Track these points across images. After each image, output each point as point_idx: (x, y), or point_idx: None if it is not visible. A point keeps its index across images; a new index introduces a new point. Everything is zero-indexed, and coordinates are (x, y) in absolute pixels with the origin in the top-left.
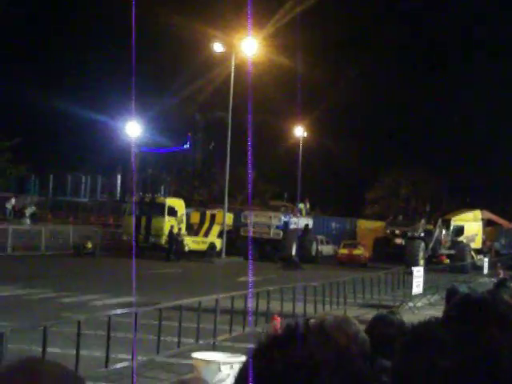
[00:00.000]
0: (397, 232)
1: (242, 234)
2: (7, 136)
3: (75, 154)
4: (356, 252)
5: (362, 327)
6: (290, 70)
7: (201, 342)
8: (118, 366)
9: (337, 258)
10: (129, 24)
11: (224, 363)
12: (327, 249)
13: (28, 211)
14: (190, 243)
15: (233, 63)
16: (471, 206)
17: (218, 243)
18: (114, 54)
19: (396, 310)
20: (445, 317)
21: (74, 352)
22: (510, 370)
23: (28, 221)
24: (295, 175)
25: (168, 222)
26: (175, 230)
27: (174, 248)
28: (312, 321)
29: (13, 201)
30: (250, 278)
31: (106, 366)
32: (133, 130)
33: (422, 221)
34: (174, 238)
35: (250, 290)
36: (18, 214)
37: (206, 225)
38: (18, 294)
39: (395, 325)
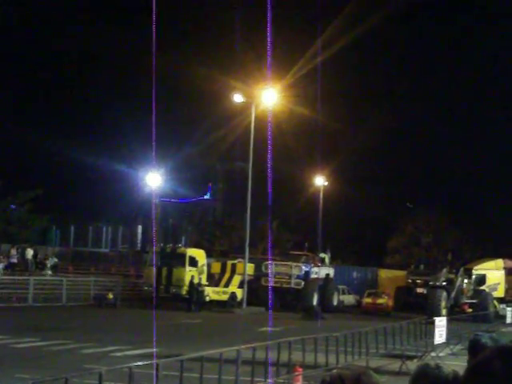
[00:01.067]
0: (418, 281)
1: (263, 283)
2: (28, 187)
3: (96, 204)
4: (380, 301)
5: (384, 378)
6: (310, 119)
7: None
8: None
9: (361, 307)
10: (150, 75)
11: None
12: (348, 298)
13: (49, 262)
14: (211, 293)
15: (253, 113)
16: (493, 255)
17: (239, 293)
18: (135, 105)
19: (442, 364)
20: (479, 371)
21: None
22: None
23: (49, 272)
24: (316, 224)
25: (189, 273)
26: (196, 281)
27: (194, 298)
28: (334, 371)
29: (30, 252)
30: (270, 329)
31: None
32: (153, 180)
33: (444, 270)
34: (195, 289)
35: (269, 342)
36: (40, 265)
37: (227, 275)
38: (39, 346)
39: (440, 379)
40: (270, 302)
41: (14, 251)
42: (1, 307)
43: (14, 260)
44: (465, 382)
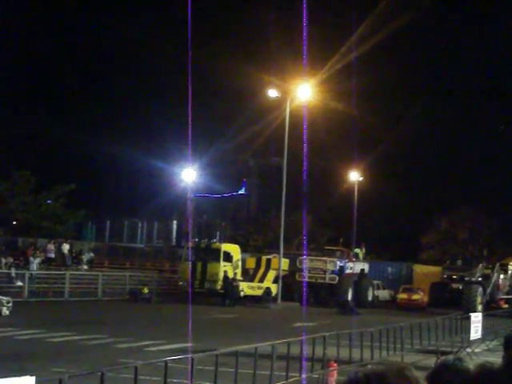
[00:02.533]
0: (454, 277)
1: (298, 279)
2: (63, 182)
3: (131, 200)
4: (415, 297)
5: (420, 374)
6: (345, 115)
7: None
8: None
9: (397, 303)
10: (185, 71)
11: None
12: (383, 294)
13: (85, 257)
14: (246, 288)
15: (287, 109)
16: None
17: (274, 288)
18: (170, 100)
19: (463, 356)
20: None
21: None
22: None
23: (85, 267)
24: (351, 219)
25: (223, 268)
26: (230, 275)
27: (230, 293)
28: (370, 367)
29: (66, 246)
30: (309, 323)
31: None
32: (188, 175)
33: (480, 265)
34: (230, 284)
35: (303, 337)
36: (76, 259)
37: (262, 270)
38: (74, 340)
39: (462, 372)
40: (303, 296)
41: (51, 246)
42: (37, 301)
43: (52, 255)
44: (500, 371)
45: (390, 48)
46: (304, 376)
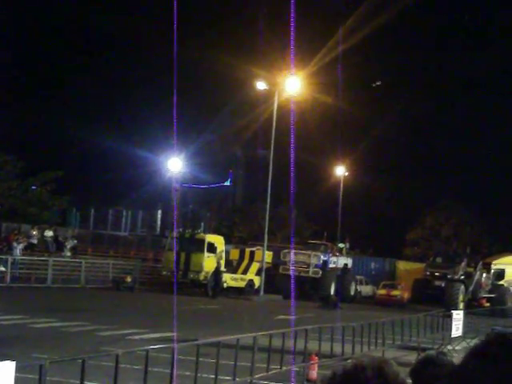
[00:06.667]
0: (437, 274)
1: (281, 272)
2: (49, 169)
3: (116, 188)
4: (394, 293)
5: (401, 370)
6: (333, 108)
7: (238, 379)
8: None
9: (375, 299)
10: (173, 61)
11: None
12: (366, 289)
13: (69, 244)
14: (229, 280)
15: (275, 101)
16: None
17: (257, 281)
18: (157, 90)
19: (446, 350)
20: (479, 354)
21: None
22: None
23: (68, 253)
24: (336, 214)
25: (207, 259)
26: (213, 266)
27: (212, 284)
28: (351, 361)
29: (50, 233)
30: (291, 316)
31: None
32: (174, 165)
33: (463, 263)
34: (219, 276)
35: (292, 329)
36: (59, 246)
37: (245, 262)
38: (56, 326)
39: (446, 366)
40: (291, 289)
41: (34, 232)
42: (20, 287)
43: (34, 241)
44: (464, 363)
45: (378, 41)
46: (293, 368)
